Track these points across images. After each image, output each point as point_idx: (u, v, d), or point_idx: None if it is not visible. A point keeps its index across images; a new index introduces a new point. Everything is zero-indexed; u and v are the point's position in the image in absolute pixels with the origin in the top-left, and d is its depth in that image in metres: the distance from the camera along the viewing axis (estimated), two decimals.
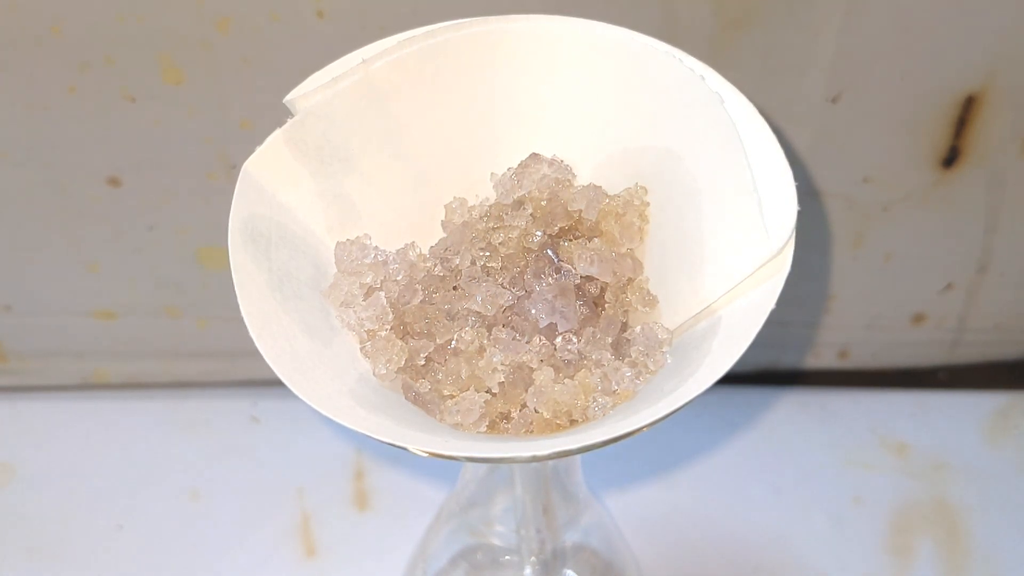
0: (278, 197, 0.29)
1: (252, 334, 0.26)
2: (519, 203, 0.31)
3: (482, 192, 0.32)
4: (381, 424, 0.26)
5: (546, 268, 0.30)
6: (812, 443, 0.53)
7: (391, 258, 0.31)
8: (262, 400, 0.54)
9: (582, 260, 0.29)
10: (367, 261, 0.30)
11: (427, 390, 0.29)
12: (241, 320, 0.26)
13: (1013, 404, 0.54)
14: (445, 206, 0.32)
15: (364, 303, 0.30)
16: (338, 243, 0.30)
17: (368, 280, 0.30)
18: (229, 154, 0.45)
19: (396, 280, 0.30)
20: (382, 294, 0.30)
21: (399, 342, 0.29)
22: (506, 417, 0.29)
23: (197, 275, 0.50)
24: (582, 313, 0.29)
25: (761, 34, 0.42)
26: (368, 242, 0.30)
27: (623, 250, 0.30)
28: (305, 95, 0.30)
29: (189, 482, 0.51)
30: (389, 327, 0.30)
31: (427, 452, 0.25)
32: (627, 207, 0.30)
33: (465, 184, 0.32)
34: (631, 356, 0.28)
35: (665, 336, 0.28)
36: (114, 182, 0.46)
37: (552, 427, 0.28)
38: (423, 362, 0.29)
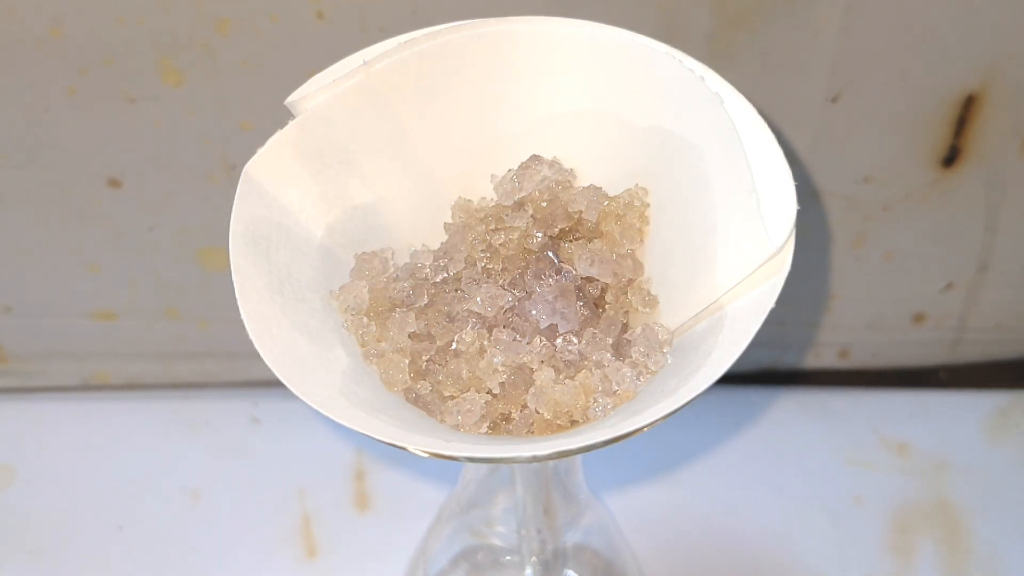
0: (279, 199, 0.29)
1: (251, 336, 0.26)
2: (520, 204, 0.31)
3: (483, 193, 0.32)
4: (382, 425, 0.26)
5: (547, 269, 0.30)
6: (812, 443, 0.53)
7: (403, 268, 0.31)
8: (262, 401, 0.54)
9: (582, 261, 0.29)
10: (384, 277, 0.30)
11: (428, 391, 0.29)
12: (242, 321, 0.26)
13: (1013, 403, 0.54)
14: (452, 207, 0.32)
15: (345, 287, 0.30)
16: (361, 255, 0.30)
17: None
18: (229, 155, 0.45)
19: (404, 285, 0.30)
20: (363, 284, 0.30)
21: (403, 360, 0.29)
22: (507, 418, 0.29)
23: (197, 276, 0.50)
24: (583, 314, 0.29)
25: (761, 34, 0.42)
26: (389, 256, 0.31)
27: (623, 251, 0.30)
28: (306, 97, 0.30)
29: (190, 483, 0.51)
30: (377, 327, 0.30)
31: (428, 452, 0.25)
32: (627, 208, 0.30)
33: (466, 185, 0.32)
34: (632, 357, 0.28)
35: (666, 337, 0.28)
36: (114, 183, 0.46)
37: (553, 428, 0.28)
38: (423, 364, 0.29)
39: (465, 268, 0.30)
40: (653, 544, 0.49)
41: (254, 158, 0.29)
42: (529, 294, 0.29)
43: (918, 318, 0.54)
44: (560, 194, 0.31)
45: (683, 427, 0.53)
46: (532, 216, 0.30)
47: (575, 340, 0.29)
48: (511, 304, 0.29)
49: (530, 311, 0.29)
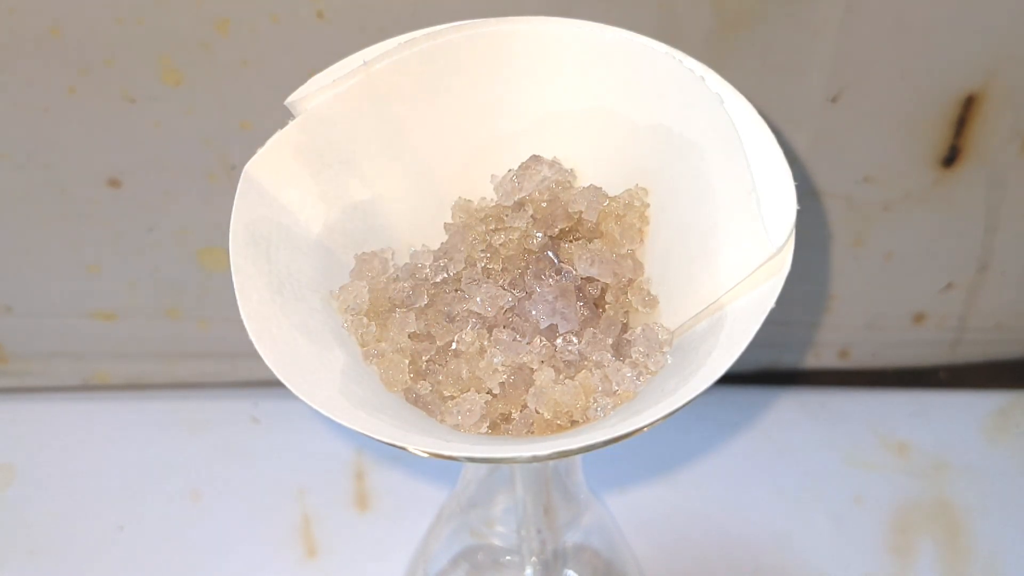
0: (279, 199, 0.29)
1: (251, 336, 0.26)
2: (520, 205, 0.31)
3: (483, 193, 0.32)
4: (381, 425, 0.26)
5: (547, 269, 0.30)
6: (812, 443, 0.53)
7: (403, 268, 0.31)
8: (262, 401, 0.54)
9: (582, 261, 0.29)
10: (384, 277, 0.30)
11: (428, 391, 0.29)
12: (242, 321, 0.26)
13: (1014, 403, 0.54)
14: (452, 207, 0.32)
15: (345, 287, 0.30)
16: (361, 255, 0.30)
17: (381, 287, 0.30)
18: (229, 155, 0.45)
19: (404, 285, 0.30)
20: (363, 285, 0.30)
21: (403, 360, 0.29)
22: (507, 418, 0.29)
23: (197, 276, 0.50)
24: (583, 314, 0.29)
25: (761, 34, 0.42)
26: (389, 256, 0.31)
27: (623, 251, 0.30)
28: (306, 97, 0.30)
29: (190, 483, 0.51)
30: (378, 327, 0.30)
31: (427, 452, 0.25)
32: (627, 208, 0.30)
33: (466, 185, 0.32)
34: (632, 357, 0.28)
35: (666, 337, 0.28)
36: (114, 183, 0.46)
37: (553, 428, 0.28)
38: (423, 364, 0.29)
39: (465, 268, 0.30)
40: (653, 544, 0.49)
41: (254, 158, 0.29)
42: (529, 294, 0.29)
43: (918, 318, 0.54)
44: (560, 194, 0.31)
45: (683, 427, 0.53)
46: (532, 216, 0.30)
47: (575, 340, 0.29)
48: (511, 304, 0.29)
49: (530, 311, 0.29)
